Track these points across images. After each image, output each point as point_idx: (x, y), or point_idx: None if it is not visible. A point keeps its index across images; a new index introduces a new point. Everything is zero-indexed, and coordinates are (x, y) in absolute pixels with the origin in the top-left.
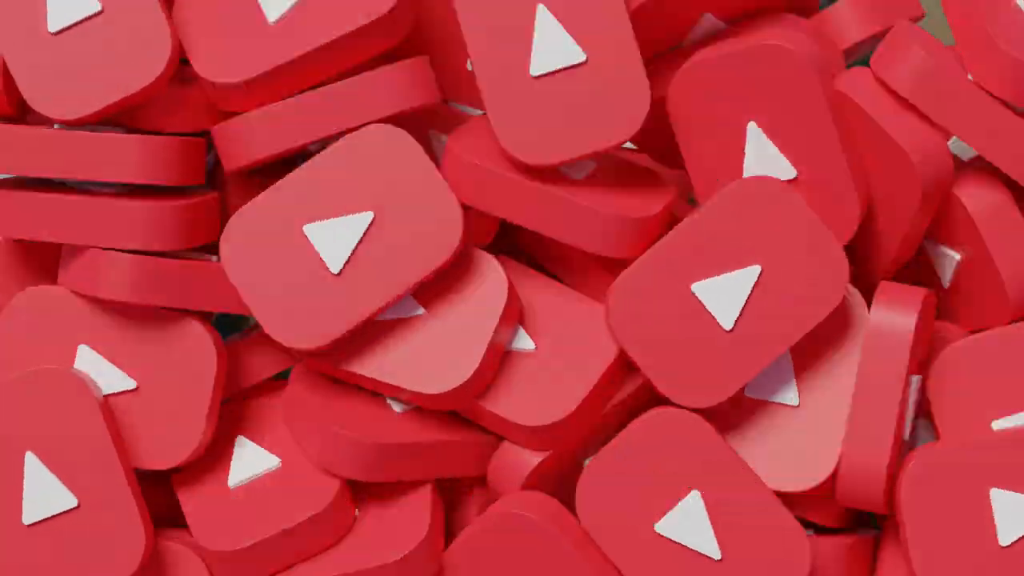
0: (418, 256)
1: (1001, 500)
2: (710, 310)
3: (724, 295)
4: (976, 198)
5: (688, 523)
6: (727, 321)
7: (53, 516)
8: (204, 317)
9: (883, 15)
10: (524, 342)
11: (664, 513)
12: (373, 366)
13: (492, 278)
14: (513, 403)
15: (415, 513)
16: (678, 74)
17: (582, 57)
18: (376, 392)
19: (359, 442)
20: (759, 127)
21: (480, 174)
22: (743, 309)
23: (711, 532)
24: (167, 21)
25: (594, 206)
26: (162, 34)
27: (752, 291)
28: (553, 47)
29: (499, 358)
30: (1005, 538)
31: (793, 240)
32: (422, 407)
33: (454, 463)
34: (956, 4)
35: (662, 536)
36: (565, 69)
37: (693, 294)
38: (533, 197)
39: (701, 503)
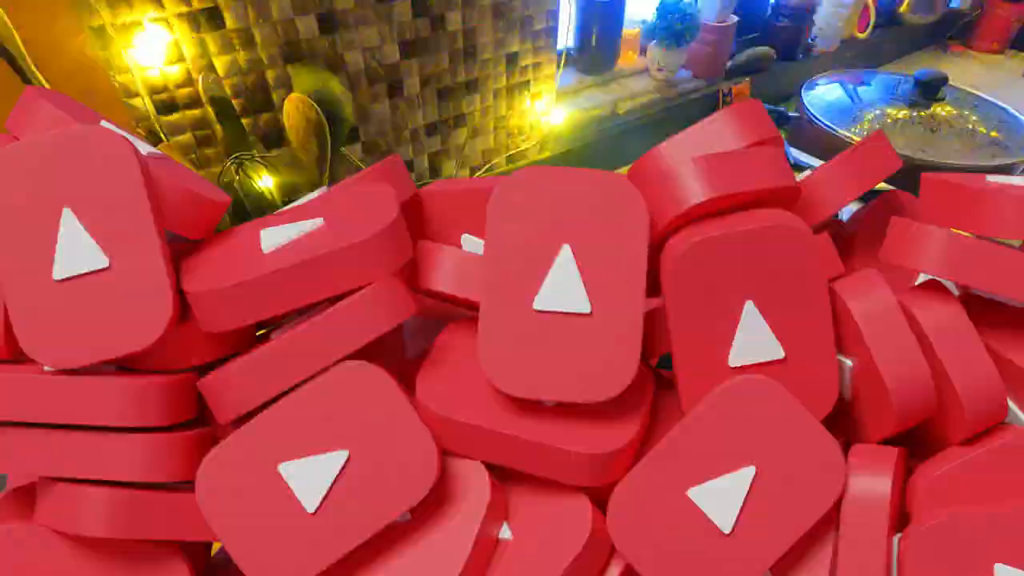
0: (394, 494)
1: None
2: (708, 514)
3: (721, 498)
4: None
5: None
6: (726, 524)
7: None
8: (187, 551)
9: (864, 178)
10: (503, 532)
11: None
12: (360, 571)
13: (476, 483)
14: None
15: None
16: (681, 251)
17: (588, 308)
18: None
19: None
20: (756, 306)
21: (452, 426)
22: (741, 510)
23: None
24: (171, 284)
25: (561, 444)
26: (164, 297)
27: (748, 492)
28: (565, 290)
29: (485, 559)
30: None
31: (787, 438)
32: None
33: None
34: (934, 192)
35: None
36: (569, 315)
37: (690, 500)
38: (504, 442)
39: None
